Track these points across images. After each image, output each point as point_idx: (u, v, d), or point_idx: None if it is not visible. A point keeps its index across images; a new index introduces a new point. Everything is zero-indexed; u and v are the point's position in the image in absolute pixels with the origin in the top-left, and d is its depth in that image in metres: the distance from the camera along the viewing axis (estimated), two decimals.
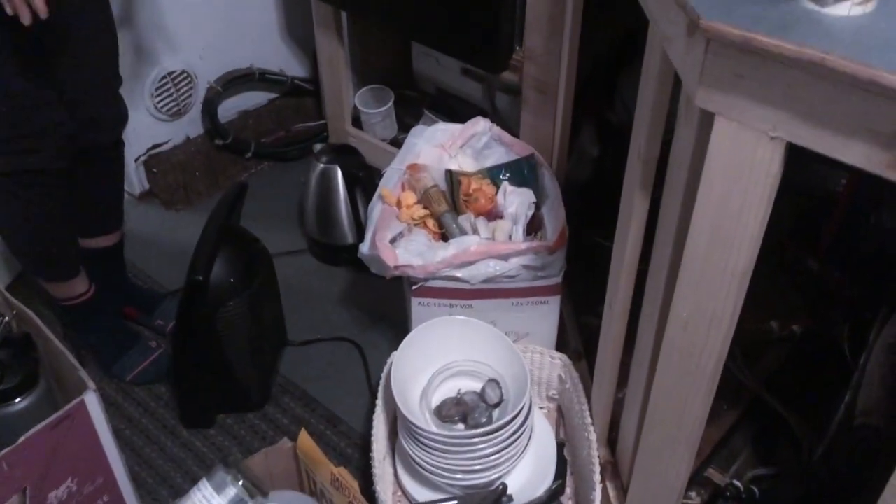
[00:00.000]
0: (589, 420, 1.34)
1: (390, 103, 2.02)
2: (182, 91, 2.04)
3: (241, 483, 1.03)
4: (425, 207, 1.48)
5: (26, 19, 1.10)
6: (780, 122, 0.73)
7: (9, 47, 1.22)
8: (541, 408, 1.51)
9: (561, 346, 1.53)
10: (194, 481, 1.10)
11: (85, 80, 1.38)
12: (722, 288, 0.87)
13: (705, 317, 0.90)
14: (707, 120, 0.78)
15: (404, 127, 2.01)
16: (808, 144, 0.72)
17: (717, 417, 1.43)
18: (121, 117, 1.53)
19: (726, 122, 0.76)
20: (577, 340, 1.55)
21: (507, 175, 1.53)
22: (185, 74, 2.02)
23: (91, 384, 1.03)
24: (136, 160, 2.05)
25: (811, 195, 1.65)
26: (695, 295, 0.90)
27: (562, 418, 1.51)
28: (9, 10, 1.09)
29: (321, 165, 1.80)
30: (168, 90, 2.01)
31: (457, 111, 1.94)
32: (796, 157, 0.76)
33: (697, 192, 0.82)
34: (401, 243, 1.42)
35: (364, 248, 1.43)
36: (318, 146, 1.85)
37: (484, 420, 1.30)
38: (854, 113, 0.67)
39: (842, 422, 1.29)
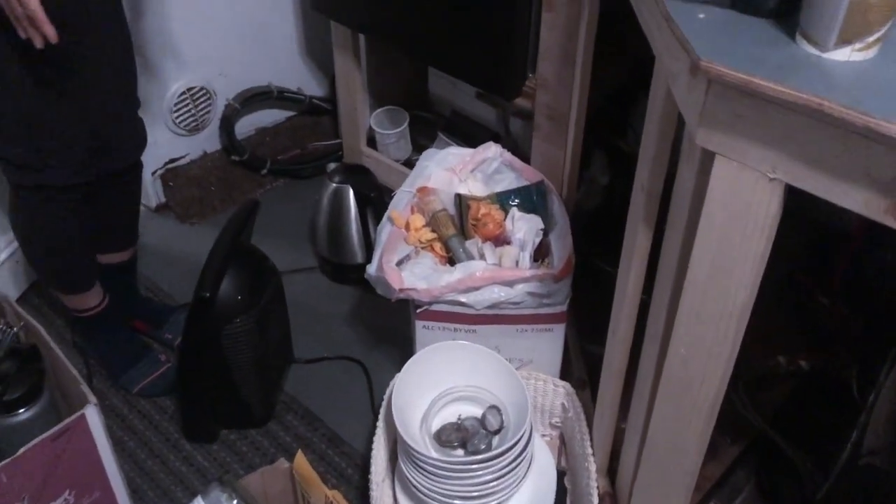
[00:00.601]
0: (590, 450, 1.33)
1: (405, 125, 2.04)
2: (201, 107, 2.06)
3: (235, 502, 1.03)
4: (433, 231, 1.49)
5: (38, 43, 1.13)
6: (779, 163, 0.73)
7: (25, 66, 1.24)
8: (543, 435, 1.51)
9: (565, 373, 1.53)
10: (194, 496, 1.11)
11: (100, 101, 1.38)
12: (720, 325, 0.87)
13: (704, 353, 0.90)
14: (708, 158, 0.79)
15: (418, 148, 2.02)
16: (806, 187, 0.72)
17: (720, 452, 1.42)
18: (137, 143, 1.53)
19: (726, 161, 0.77)
20: (582, 369, 1.54)
21: (517, 201, 1.54)
22: (204, 91, 2.05)
23: (92, 398, 1.05)
24: (154, 173, 2.07)
25: (824, 229, 1.64)
26: (693, 331, 0.89)
27: (564, 446, 1.50)
28: (21, 34, 1.12)
29: (333, 185, 1.81)
30: (187, 106, 2.03)
31: (471, 134, 1.95)
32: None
33: (697, 230, 0.83)
34: (407, 266, 1.42)
35: (371, 269, 1.44)
36: (331, 166, 1.87)
37: (483, 446, 1.30)
38: (852, 158, 0.67)
39: (847, 461, 1.28)
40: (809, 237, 1.67)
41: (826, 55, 0.70)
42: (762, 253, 0.80)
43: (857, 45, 0.69)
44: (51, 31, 1.12)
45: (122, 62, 1.43)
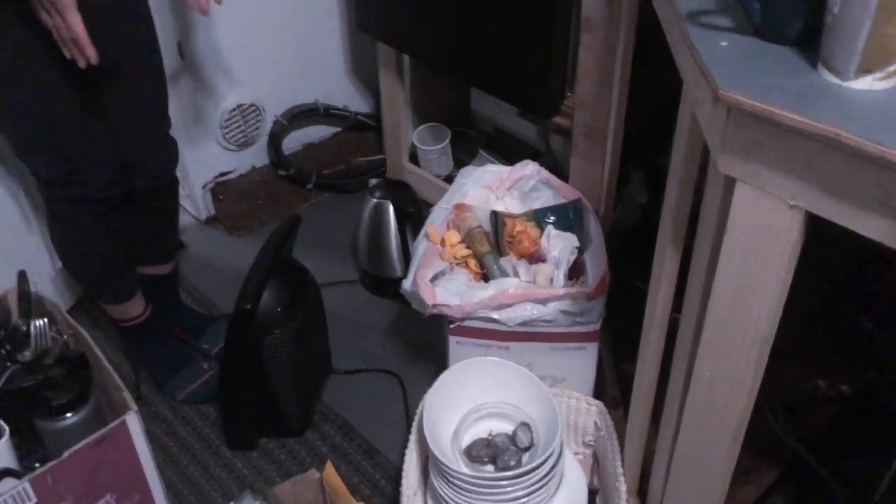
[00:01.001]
0: (620, 470, 1.33)
1: (446, 141, 2.07)
2: (250, 123, 2.13)
3: None
4: (468, 247, 1.51)
5: (82, 63, 1.19)
6: (799, 191, 0.73)
7: (61, 84, 1.29)
8: (576, 453, 1.51)
9: (600, 391, 1.53)
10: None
11: (130, 120, 1.44)
12: (743, 351, 0.87)
13: (727, 378, 0.90)
14: (730, 184, 0.79)
15: (460, 164, 2.05)
16: (826, 215, 0.72)
17: (756, 476, 1.40)
18: (167, 161, 1.57)
19: (747, 188, 0.77)
20: (616, 387, 1.54)
21: (553, 218, 1.55)
22: (253, 108, 2.11)
23: (133, 405, 1.09)
24: (204, 187, 2.14)
25: (866, 250, 1.61)
26: (717, 356, 0.89)
27: (597, 465, 1.50)
28: (67, 55, 1.19)
29: (374, 200, 1.85)
30: (237, 122, 2.10)
31: (512, 151, 1.97)
32: None
33: (720, 256, 0.83)
34: (441, 281, 1.44)
35: (406, 284, 1.46)
36: (372, 181, 1.91)
37: (513, 463, 1.31)
38: (871, 188, 0.67)
39: (888, 490, 1.26)
40: (851, 258, 1.64)
41: (847, 84, 0.70)
42: (784, 279, 0.80)
43: (878, 75, 0.69)
44: (92, 53, 1.18)
45: (153, 83, 1.48)
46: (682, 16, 0.85)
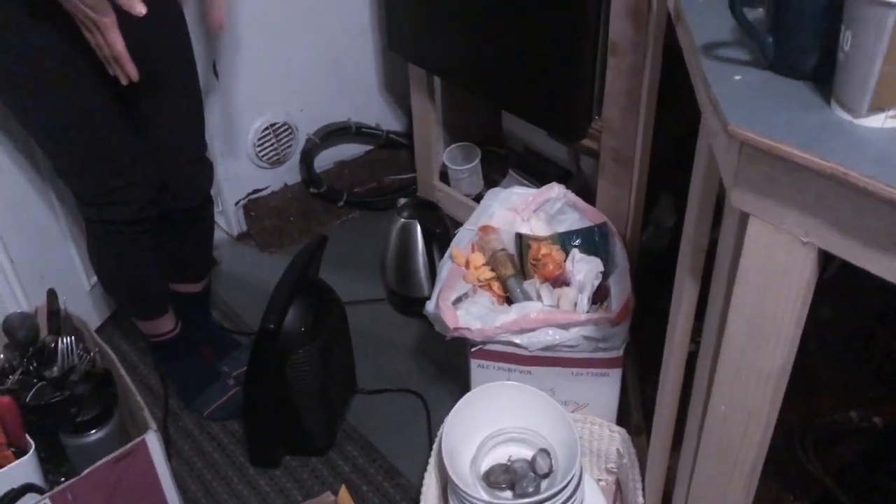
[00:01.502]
0: (641, 499, 1.32)
1: (477, 161, 2.07)
2: (283, 141, 2.16)
3: None
4: (492, 270, 1.51)
5: (124, 80, 1.22)
6: (811, 228, 0.72)
7: (103, 104, 1.33)
8: (599, 480, 1.49)
9: (623, 417, 1.51)
10: None
11: (166, 142, 1.47)
12: (758, 387, 0.85)
13: (742, 413, 0.89)
14: (744, 219, 0.78)
15: (490, 183, 2.05)
16: (838, 253, 0.71)
17: None
18: (202, 183, 1.60)
19: (760, 223, 0.76)
20: (640, 414, 1.52)
21: (578, 242, 1.54)
22: (286, 126, 2.14)
23: (153, 424, 1.11)
24: (237, 204, 2.18)
25: None
26: (731, 390, 0.88)
27: (620, 492, 1.48)
28: (110, 71, 1.22)
29: (402, 220, 1.86)
30: (269, 140, 2.13)
31: (542, 171, 1.97)
32: None
33: (733, 290, 0.82)
34: (464, 304, 1.44)
35: (430, 306, 1.47)
36: (401, 201, 1.92)
37: (532, 489, 1.30)
38: (881, 227, 0.65)
39: None
40: (891, 289, 1.60)
41: (859, 121, 0.69)
42: (798, 315, 0.78)
43: (891, 112, 0.67)
44: (133, 70, 1.21)
45: (190, 103, 1.51)
46: (698, 48, 0.84)
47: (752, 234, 0.77)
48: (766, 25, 0.79)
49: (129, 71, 1.21)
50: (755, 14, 0.84)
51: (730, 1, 0.77)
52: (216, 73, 1.95)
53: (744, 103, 0.74)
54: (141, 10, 1.10)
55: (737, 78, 0.78)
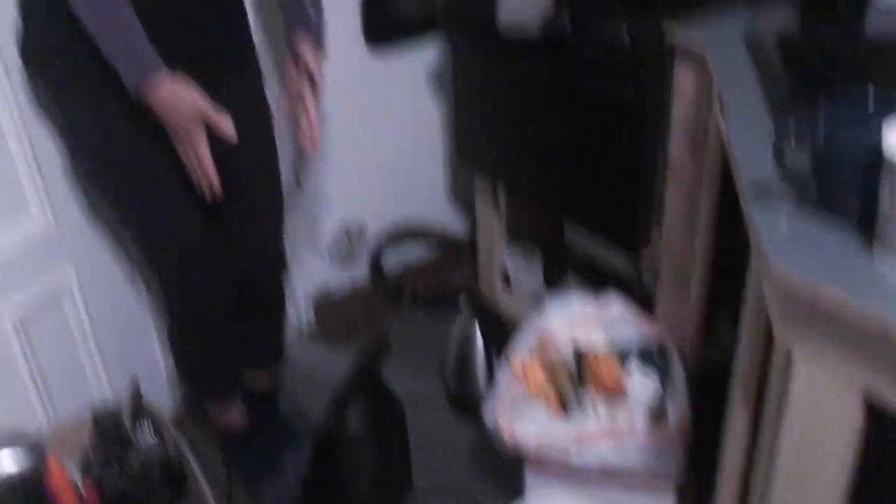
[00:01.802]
0: None
1: (538, 264, 2.11)
2: (353, 240, 2.25)
3: None
4: (549, 380, 1.52)
5: (208, 194, 1.33)
6: (855, 373, 0.73)
7: (189, 208, 1.43)
8: None
9: None
10: None
11: (248, 245, 1.59)
12: None
13: None
14: (790, 357, 0.79)
15: (551, 287, 2.08)
16: (881, 402, 0.71)
17: None
18: (277, 285, 1.70)
19: (805, 363, 0.77)
20: None
21: (636, 357, 1.54)
22: (357, 226, 2.23)
23: None
24: (306, 298, 2.26)
25: None
26: None
27: None
28: (193, 178, 1.33)
29: (462, 320, 1.90)
30: (341, 239, 2.22)
31: (603, 278, 1.99)
32: None
33: (781, 432, 0.82)
34: (520, 414, 1.46)
35: (487, 414, 1.48)
36: (462, 301, 1.96)
37: None
38: None
39: None
40: None
41: None
42: (847, 461, 0.78)
43: None
44: (215, 183, 1.32)
45: (273, 205, 1.62)
46: (745, 186, 0.87)
47: (797, 372, 0.78)
48: (809, 167, 0.81)
49: (212, 182, 1.31)
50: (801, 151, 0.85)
51: (774, 150, 0.80)
52: (298, 182, 2.06)
53: (789, 247, 0.76)
54: (232, 139, 1.21)
55: (782, 217, 0.80)
